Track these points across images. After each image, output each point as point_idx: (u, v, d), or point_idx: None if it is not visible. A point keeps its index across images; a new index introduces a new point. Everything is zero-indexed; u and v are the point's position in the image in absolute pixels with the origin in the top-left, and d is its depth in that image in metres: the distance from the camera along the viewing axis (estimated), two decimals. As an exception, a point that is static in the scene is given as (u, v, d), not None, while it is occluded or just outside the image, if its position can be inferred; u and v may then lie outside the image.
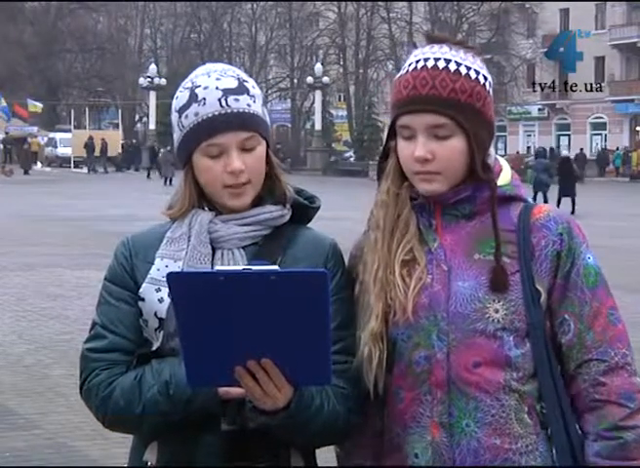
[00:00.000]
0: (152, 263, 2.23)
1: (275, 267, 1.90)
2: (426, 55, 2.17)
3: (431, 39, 2.21)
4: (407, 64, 2.19)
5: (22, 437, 6.64)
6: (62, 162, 60.27)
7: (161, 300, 2.18)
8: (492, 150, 2.24)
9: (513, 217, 2.17)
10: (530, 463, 2.12)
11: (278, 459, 2.16)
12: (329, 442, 2.25)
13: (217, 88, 2.19)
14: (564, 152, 33.68)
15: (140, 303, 2.21)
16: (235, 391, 2.03)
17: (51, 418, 7.09)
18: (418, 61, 2.16)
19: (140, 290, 2.21)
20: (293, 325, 1.87)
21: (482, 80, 2.16)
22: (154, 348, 2.18)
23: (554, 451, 2.12)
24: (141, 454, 2.22)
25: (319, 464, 2.30)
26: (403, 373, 2.16)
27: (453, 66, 2.13)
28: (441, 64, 2.13)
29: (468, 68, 2.14)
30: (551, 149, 43.97)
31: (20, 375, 8.44)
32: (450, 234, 2.18)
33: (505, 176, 2.22)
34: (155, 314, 2.18)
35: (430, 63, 2.14)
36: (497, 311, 2.10)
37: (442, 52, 2.16)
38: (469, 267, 2.14)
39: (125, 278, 2.25)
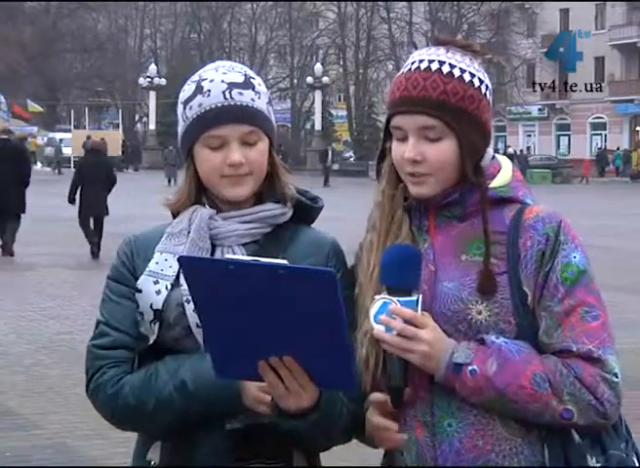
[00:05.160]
0: None
1: (284, 262, 1.90)
2: (422, 56, 2.17)
3: (438, 42, 2.21)
4: (404, 66, 2.20)
5: (22, 437, 6.64)
6: (62, 162, 60.27)
7: (158, 292, 2.18)
8: (490, 151, 2.23)
9: (506, 219, 2.15)
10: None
11: (281, 459, 2.17)
12: (343, 442, 2.26)
13: (222, 81, 2.22)
14: (510, 150, 36.26)
15: (136, 295, 2.21)
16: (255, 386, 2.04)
17: (51, 418, 7.08)
18: (413, 63, 2.17)
19: (138, 281, 2.22)
20: (307, 322, 1.87)
21: (477, 83, 2.15)
22: (151, 342, 2.18)
23: (546, 450, 2.08)
24: (145, 453, 2.22)
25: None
26: None
27: (446, 68, 2.13)
28: (434, 66, 2.14)
29: (462, 71, 2.14)
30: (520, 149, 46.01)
31: (19, 375, 8.44)
32: (441, 235, 2.18)
33: (504, 177, 2.20)
34: (151, 306, 2.18)
35: (424, 65, 2.15)
36: (480, 312, 2.08)
37: (437, 54, 2.16)
38: (456, 268, 2.13)
39: (127, 276, 2.25)
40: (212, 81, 2.22)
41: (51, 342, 9.76)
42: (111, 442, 6.04)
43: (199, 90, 2.22)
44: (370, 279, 2.16)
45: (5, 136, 16.52)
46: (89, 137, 57.78)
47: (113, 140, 58.88)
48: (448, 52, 2.17)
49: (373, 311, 2.07)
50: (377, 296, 2.09)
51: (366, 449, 2.31)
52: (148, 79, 59.38)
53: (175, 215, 2.30)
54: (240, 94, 2.21)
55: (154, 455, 2.20)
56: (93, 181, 16.28)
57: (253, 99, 2.22)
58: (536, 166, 51.96)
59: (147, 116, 66.33)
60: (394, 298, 2.05)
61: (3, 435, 6.66)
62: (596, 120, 67.13)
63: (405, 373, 2.06)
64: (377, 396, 2.10)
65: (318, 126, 59.09)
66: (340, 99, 73.25)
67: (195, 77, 2.26)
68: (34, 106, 60.25)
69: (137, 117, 79.01)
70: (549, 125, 69.82)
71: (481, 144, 2.17)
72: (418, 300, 2.06)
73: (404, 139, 2.15)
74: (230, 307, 1.89)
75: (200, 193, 2.27)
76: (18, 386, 8.03)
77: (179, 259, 1.94)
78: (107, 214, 16.52)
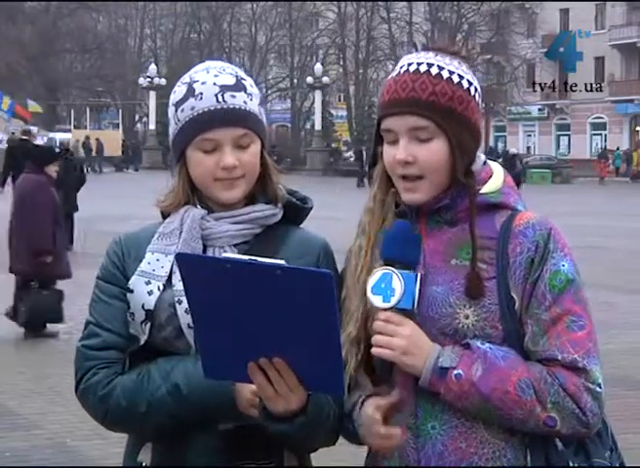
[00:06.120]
0: None
1: (282, 262, 1.89)
2: (411, 60, 2.20)
3: (426, 49, 2.24)
4: (393, 70, 2.22)
5: (22, 437, 6.66)
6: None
7: (150, 293, 2.18)
8: (482, 156, 2.24)
9: (496, 225, 2.15)
10: None
11: (272, 459, 2.17)
12: (329, 445, 2.26)
13: (214, 84, 2.22)
14: (512, 150, 37.73)
15: (128, 295, 2.21)
16: (246, 388, 2.04)
17: (51, 418, 7.10)
18: (402, 67, 2.19)
19: (130, 281, 2.22)
20: (300, 324, 1.87)
21: (465, 85, 2.17)
22: (142, 343, 2.18)
23: (529, 455, 2.08)
24: (136, 455, 2.22)
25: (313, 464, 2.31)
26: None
27: (434, 70, 2.15)
28: (423, 68, 2.16)
29: (451, 73, 2.16)
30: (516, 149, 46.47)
31: (19, 375, 8.45)
32: (432, 239, 2.18)
33: (495, 183, 2.21)
34: (142, 306, 2.18)
35: (412, 68, 2.17)
36: (467, 317, 2.09)
37: (426, 57, 2.19)
38: (445, 272, 2.13)
39: (117, 276, 2.26)
40: (204, 83, 2.22)
41: (51, 342, 9.77)
42: (111, 442, 6.04)
43: (191, 92, 2.22)
44: (356, 283, 2.17)
45: (25, 137, 17.85)
46: (87, 138, 57.61)
47: (113, 140, 58.99)
48: (437, 55, 2.19)
49: (372, 281, 2.08)
50: (377, 268, 2.09)
51: (360, 449, 2.31)
52: (148, 79, 59.30)
53: (164, 216, 2.30)
54: (232, 96, 2.21)
55: (145, 457, 2.20)
56: (64, 181, 16.59)
57: (245, 102, 2.22)
58: (535, 166, 51.94)
59: (147, 116, 66.22)
60: (395, 269, 2.06)
61: (3, 435, 6.67)
62: (596, 120, 67.09)
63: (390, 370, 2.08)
64: (379, 402, 2.08)
65: (318, 126, 58.99)
66: (339, 99, 73.17)
67: (186, 78, 2.26)
68: (34, 106, 60.25)
69: (137, 117, 78.93)
70: (549, 125, 69.79)
71: (471, 145, 2.18)
72: (417, 276, 2.08)
73: (395, 142, 2.16)
74: (224, 306, 1.88)
75: (192, 194, 2.27)
76: (18, 386, 8.04)
77: (176, 256, 1.93)
78: (77, 210, 17.33)
